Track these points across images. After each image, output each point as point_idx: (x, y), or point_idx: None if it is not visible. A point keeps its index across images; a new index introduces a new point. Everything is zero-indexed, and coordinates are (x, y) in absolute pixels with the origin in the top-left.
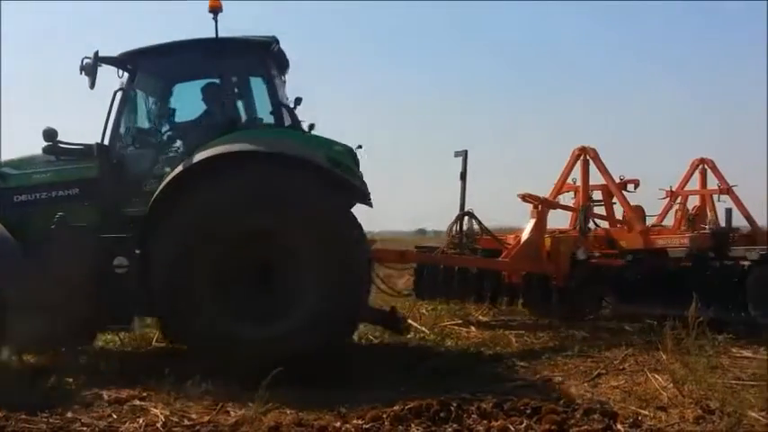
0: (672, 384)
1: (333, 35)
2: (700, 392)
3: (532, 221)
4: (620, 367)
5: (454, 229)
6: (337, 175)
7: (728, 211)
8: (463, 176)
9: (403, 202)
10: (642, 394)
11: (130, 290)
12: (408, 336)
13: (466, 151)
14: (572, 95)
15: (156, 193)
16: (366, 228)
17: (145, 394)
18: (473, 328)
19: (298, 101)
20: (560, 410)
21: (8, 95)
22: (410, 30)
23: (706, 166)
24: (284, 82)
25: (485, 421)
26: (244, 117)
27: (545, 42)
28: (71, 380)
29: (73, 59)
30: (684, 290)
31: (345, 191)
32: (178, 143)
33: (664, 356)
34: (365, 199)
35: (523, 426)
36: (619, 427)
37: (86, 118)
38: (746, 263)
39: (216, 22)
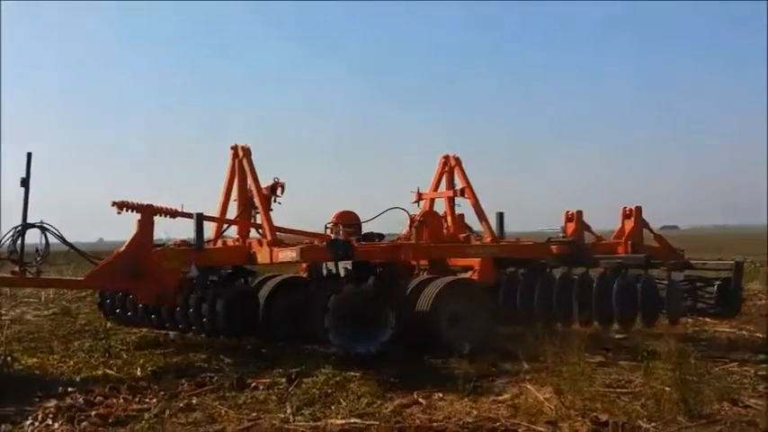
0: (554, 395)
1: None
2: (581, 403)
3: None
4: (491, 379)
5: (11, 244)
6: None
7: (500, 216)
8: (25, 182)
9: None
10: (528, 408)
11: None
12: None
13: (29, 154)
14: None
15: None
16: None
17: None
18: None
19: None
20: None
21: None
22: None
23: (452, 165)
24: None
25: None
26: None
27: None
28: None
29: None
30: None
31: None
32: None
33: (525, 365)
34: None
35: None
36: None
37: None
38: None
39: None
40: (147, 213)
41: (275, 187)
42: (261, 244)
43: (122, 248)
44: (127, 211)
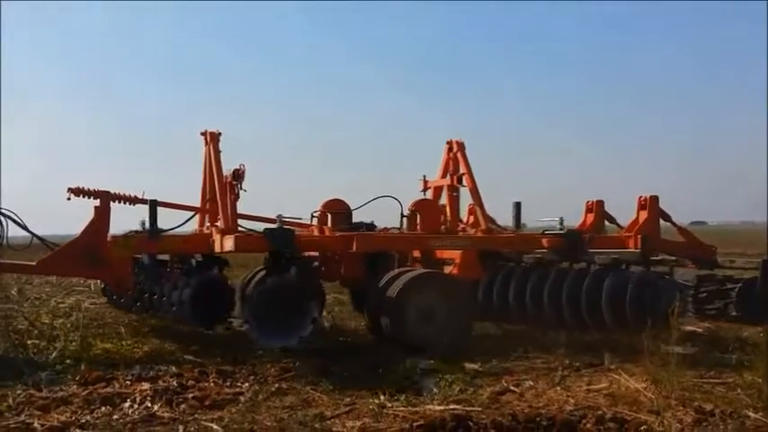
0: (651, 385)
1: None
2: (679, 393)
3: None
4: (575, 367)
5: None
6: None
7: (516, 206)
8: None
9: None
10: (624, 396)
11: None
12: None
13: None
14: None
15: None
16: None
17: None
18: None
19: None
20: (574, 420)
21: None
22: None
23: (455, 150)
24: None
25: None
26: None
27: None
28: None
29: None
30: None
31: None
32: None
33: (607, 356)
34: None
35: None
36: None
37: None
38: None
39: None
40: (105, 199)
41: (237, 173)
42: (218, 232)
43: (78, 235)
44: (82, 197)
